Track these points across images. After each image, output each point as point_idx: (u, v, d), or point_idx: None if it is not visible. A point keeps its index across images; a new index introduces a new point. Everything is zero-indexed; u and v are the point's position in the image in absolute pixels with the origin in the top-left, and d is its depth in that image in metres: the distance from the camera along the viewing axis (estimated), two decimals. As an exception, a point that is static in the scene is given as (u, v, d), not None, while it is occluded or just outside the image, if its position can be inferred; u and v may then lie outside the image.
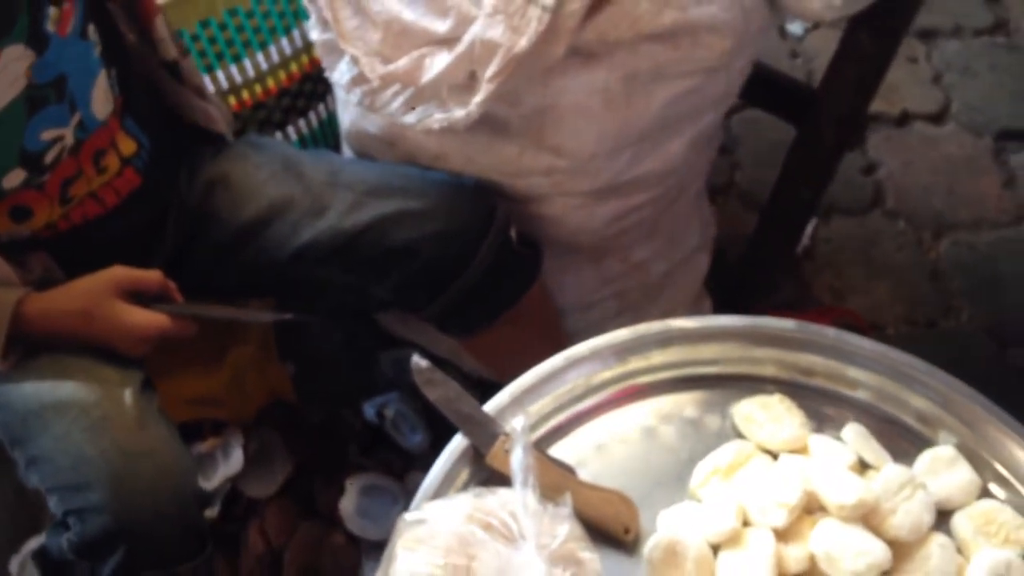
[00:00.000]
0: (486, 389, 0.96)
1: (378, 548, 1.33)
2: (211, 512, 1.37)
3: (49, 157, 1.05)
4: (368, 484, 1.35)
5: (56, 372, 1.06)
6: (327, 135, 1.61)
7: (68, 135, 1.06)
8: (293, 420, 1.44)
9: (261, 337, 1.37)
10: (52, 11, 1.00)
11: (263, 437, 1.40)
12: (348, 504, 1.32)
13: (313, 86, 1.55)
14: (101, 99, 1.10)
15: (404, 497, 1.37)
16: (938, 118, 2.15)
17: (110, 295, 1.07)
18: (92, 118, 1.09)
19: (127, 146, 1.14)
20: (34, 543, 1.43)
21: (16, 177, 1.04)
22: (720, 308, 1.58)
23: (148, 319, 1.08)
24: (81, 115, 1.07)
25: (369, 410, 1.47)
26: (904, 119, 2.14)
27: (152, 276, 1.11)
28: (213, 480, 1.32)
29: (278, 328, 1.42)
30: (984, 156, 2.09)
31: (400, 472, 1.41)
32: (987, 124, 2.14)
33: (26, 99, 1.00)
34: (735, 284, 1.67)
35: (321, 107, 1.58)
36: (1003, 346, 1.79)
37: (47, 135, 1.04)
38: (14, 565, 1.46)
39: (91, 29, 1.07)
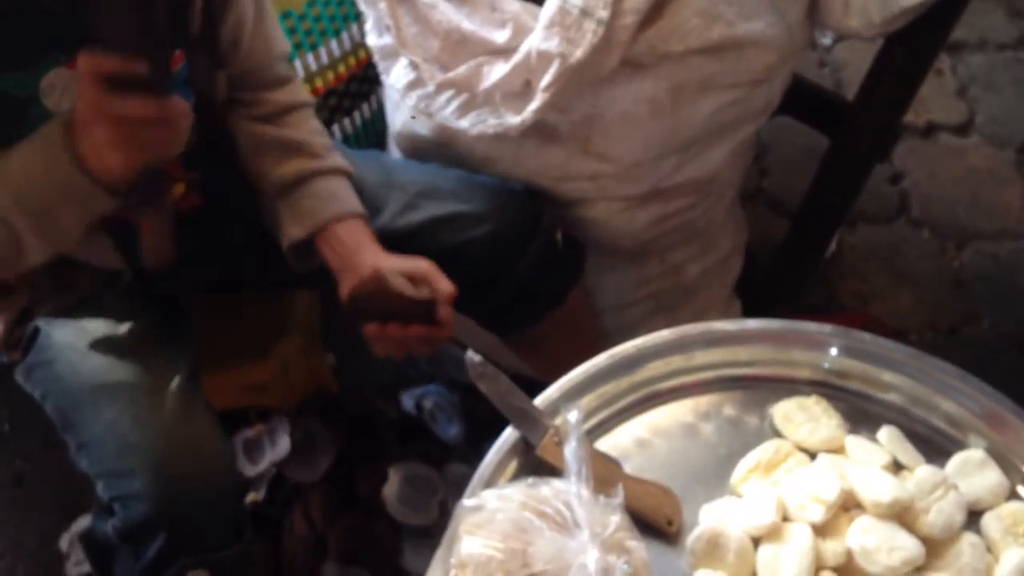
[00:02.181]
0: (523, 385, 0.98)
1: (418, 534, 1.37)
2: (256, 495, 1.42)
3: None
4: (409, 473, 1.39)
5: (107, 361, 1.09)
6: (370, 134, 1.65)
7: None
8: (334, 410, 1.48)
9: (307, 329, 1.42)
10: None
11: (308, 425, 1.44)
12: (391, 491, 1.36)
13: (359, 86, 1.59)
14: None
15: (443, 486, 1.41)
16: (962, 130, 2.19)
17: None
18: None
19: (191, 175, 1.18)
20: (83, 522, 1.48)
21: None
22: (749, 311, 1.62)
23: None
24: None
25: (408, 401, 1.51)
26: (929, 130, 2.18)
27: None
28: (260, 464, 1.37)
29: (323, 321, 1.47)
30: (1007, 168, 2.13)
31: (438, 462, 1.45)
32: (1010, 137, 2.17)
33: None
34: (764, 288, 1.70)
35: (365, 107, 1.62)
36: (1023, 352, 1.82)
37: None
38: (64, 542, 1.51)
39: (194, 81, 1.10)
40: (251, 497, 1.43)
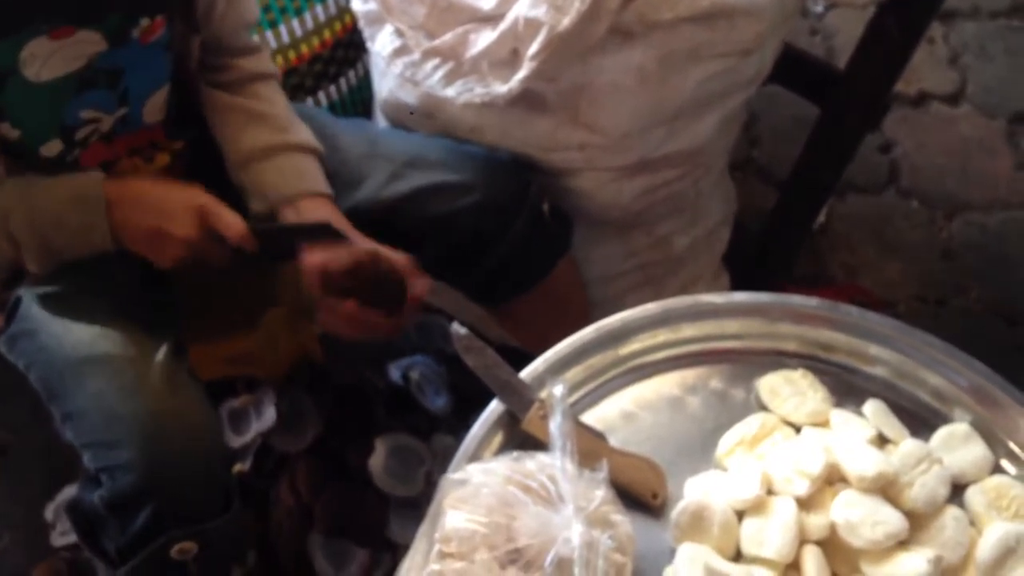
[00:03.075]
0: (510, 356, 0.98)
1: (405, 506, 1.37)
2: (243, 466, 1.41)
3: (80, 135, 1.08)
4: (396, 444, 1.39)
5: (92, 332, 1.08)
6: (356, 102, 1.63)
7: (106, 122, 1.09)
8: (322, 381, 1.48)
9: (294, 299, 1.41)
10: (144, 21, 1.03)
11: (294, 396, 1.44)
12: (377, 462, 1.35)
13: (344, 52, 1.57)
14: (156, 107, 1.13)
15: (430, 458, 1.40)
16: (954, 99, 2.18)
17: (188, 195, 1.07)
18: (139, 119, 1.12)
19: (175, 144, 1.18)
20: (69, 492, 1.47)
21: (54, 148, 1.07)
22: (737, 282, 1.62)
23: (203, 194, 1.06)
24: (129, 111, 1.10)
25: (395, 372, 1.50)
26: (920, 99, 2.16)
27: (232, 220, 1.06)
28: (246, 435, 1.36)
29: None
30: (998, 138, 2.12)
31: (425, 433, 1.45)
32: (1001, 106, 2.16)
33: (80, 76, 1.03)
34: (753, 259, 1.70)
35: (351, 74, 1.60)
36: (1011, 324, 1.83)
37: (85, 114, 1.07)
38: (49, 512, 1.51)
39: (173, 46, 1.10)
40: (237, 467, 1.42)
